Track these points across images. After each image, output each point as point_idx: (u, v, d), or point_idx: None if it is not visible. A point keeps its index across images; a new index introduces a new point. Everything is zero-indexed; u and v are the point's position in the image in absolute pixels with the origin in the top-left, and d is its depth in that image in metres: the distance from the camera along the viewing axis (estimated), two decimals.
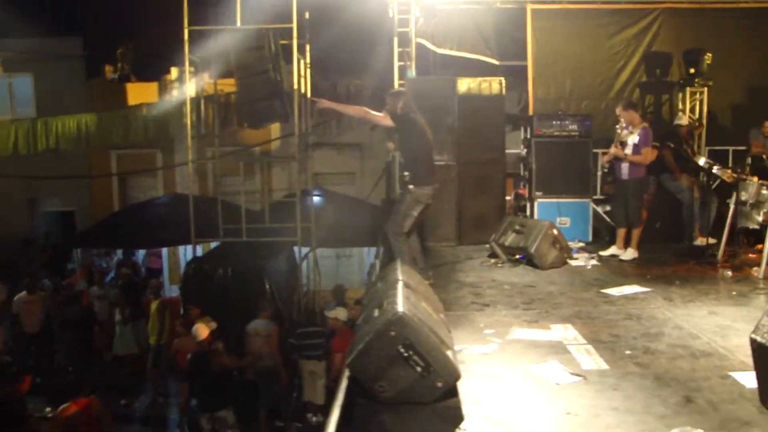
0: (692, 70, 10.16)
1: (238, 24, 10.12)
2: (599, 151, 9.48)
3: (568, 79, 10.38)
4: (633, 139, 7.89)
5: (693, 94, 10.40)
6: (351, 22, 11.56)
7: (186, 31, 10.15)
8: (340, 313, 8.79)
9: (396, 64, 9.98)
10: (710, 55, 10.05)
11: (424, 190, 6.51)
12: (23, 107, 16.16)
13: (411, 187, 6.46)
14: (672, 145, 9.10)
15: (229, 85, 12.48)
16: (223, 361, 7.99)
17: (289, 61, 10.33)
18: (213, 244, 11.84)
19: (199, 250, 11.38)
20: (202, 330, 8.04)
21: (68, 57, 16.04)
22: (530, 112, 10.12)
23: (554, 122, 9.15)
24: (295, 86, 10.45)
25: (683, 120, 9.49)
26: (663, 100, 10.65)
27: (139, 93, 16.14)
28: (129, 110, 15.05)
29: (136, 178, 16.72)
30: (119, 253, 14.55)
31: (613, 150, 7.99)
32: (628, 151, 7.90)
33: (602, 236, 9.18)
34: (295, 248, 10.99)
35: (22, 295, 10.83)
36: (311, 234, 10.60)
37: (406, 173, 6.57)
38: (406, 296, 4.04)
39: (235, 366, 8.30)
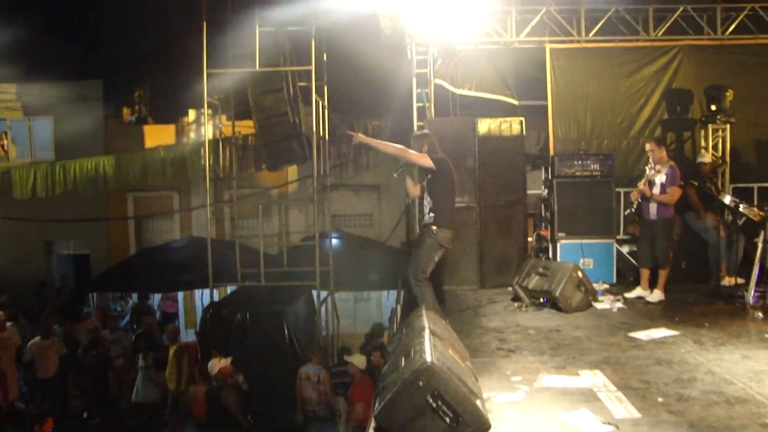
0: (714, 107, 10.18)
1: (257, 66, 10.29)
2: (621, 190, 9.52)
3: (588, 118, 10.44)
4: (660, 178, 7.92)
5: (715, 131, 10.42)
6: (369, 63, 11.73)
7: (205, 74, 10.33)
8: (358, 360, 8.76)
9: (414, 105, 10.11)
10: (732, 91, 10.08)
11: (446, 233, 6.55)
12: (42, 150, 16.46)
13: (434, 228, 6.48)
14: (696, 184, 9.09)
15: (247, 127, 12.69)
16: (234, 401, 7.98)
17: (308, 102, 10.49)
18: (230, 288, 11.87)
19: (216, 295, 11.43)
20: (216, 364, 8.11)
21: (87, 99, 16.33)
22: (551, 152, 10.20)
23: (575, 162, 9.21)
24: (313, 128, 10.57)
25: (706, 157, 9.50)
26: (685, 138, 10.67)
27: (156, 135, 16.37)
28: (146, 152, 15.25)
29: (152, 221, 16.84)
30: (134, 296, 14.60)
31: (641, 187, 8.01)
32: (656, 191, 7.92)
33: (626, 277, 9.15)
34: (314, 292, 11.00)
35: (36, 341, 10.86)
36: (330, 277, 10.61)
37: (430, 214, 6.57)
38: (433, 344, 4.02)
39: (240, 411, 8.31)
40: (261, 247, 10.50)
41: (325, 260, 10.62)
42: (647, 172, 8.04)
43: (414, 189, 6.99)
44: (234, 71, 10.60)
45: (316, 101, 10.69)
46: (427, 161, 6.47)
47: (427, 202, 6.64)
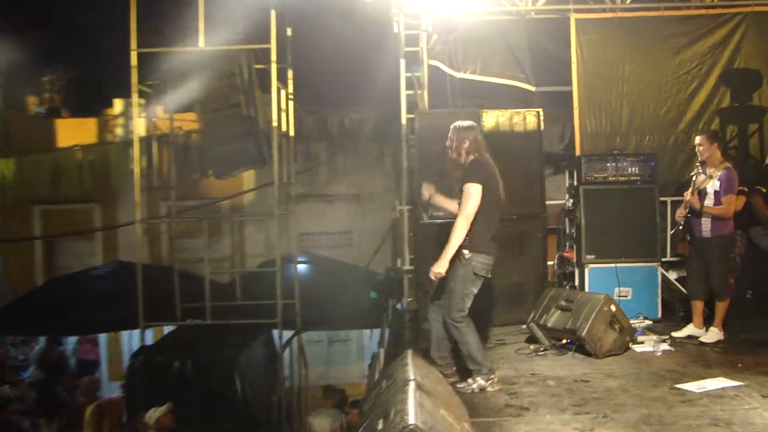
0: None
1: (201, 45, 10.32)
2: (668, 199, 9.58)
3: (625, 108, 10.53)
4: (713, 184, 7.97)
5: None
6: (346, 40, 11.78)
7: (134, 54, 10.35)
8: (322, 424, 8.78)
9: (403, 92, 10.16)
10: None
11: (483, 259, 6.55)
12: None
13: (466, 253, 6.48)
14: (764, 190, 9.18)
15: (189, 122, 12.66)
16: None
17: (267, 90, 10.51)
18: (168, 329, 11.85)
19: (149, 337, 11.38)
20: (152, 415, 8.15)
21: None
22: (577, 152, 10.27)
23: (608, 164, 9.27)
24: (274, 123, 10.60)
25: None
26: (750, 132, 10.74)
27: (72, 131, 16.29)
28: (59, 154, 15.18)
29: (67, 242, 16.73)
30: (41, 340, 14.49)
31: (688, 197, 8.08)
32: (708, 201, 7.98)
33: (675, 311, 9.21)
34: (275, 332, 10.99)
35: None
36: (296, 313, 10.62)
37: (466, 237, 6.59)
38: (419, 402, 4.05)
39: None
40: (207, 275, 10.49)
41: (289, 291, 10.61)
42: (694, 177, 8.12)
43: (452, 204, 6.96)
44: (172, 50, 10.62)
45: (278, 89, 10.71)
46: (474, 201, 6.42)
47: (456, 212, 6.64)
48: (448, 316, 6.51)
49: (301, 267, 12.12)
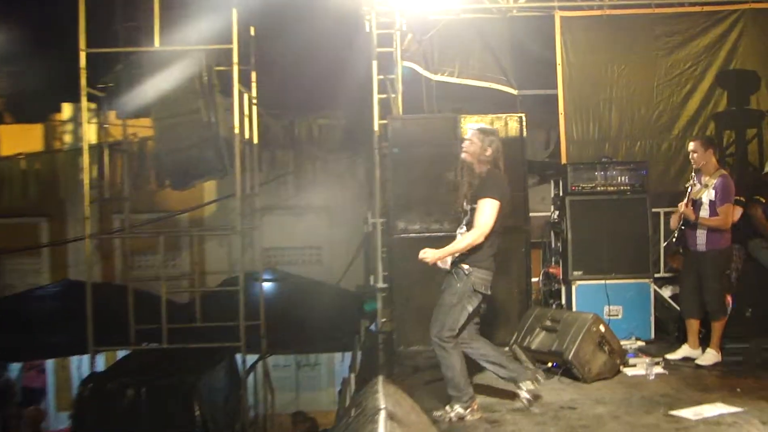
0: None
1: (157, 44, 10.27)
2: (661, 210, 9.63)
3: (614, 113, 10.62)
4: (708, 194, 8.02)
5: None
6: (313, 40, 11.78)
7: (83, 55, 10.28)
8: None
9: (375, 96, 10.21)
10: None
11: (483, 275, 6.51)
12: None
13: (466, 267, 6.44)
14: (763, 200, 9.21)
15: (144, 128, 12.61)
16: None
17: (228, 94, 10.47)
18: (121, 354, 11.75)
19: (101, 363, 11.28)
20: None
21: None
22: (563, 160, 10.35)
23: (596, 173, 9.33)
24: (237, 129, 10.57)
25: None
26: (748, 137, 10.83)
27: (16, 138, 16.18)
28: (1, 163, 15.07)
29: (10, 259, 16.60)
30: None
31: (682, 208, 8.12)
32: (703, 212, 8.02)
33: (669, 331, 9.24)
34: (238, 356, 10.92)
35: None
36: (261, 335, 10.56)
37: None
38: None
39: None
40: (164, 295, 10.41)
41: (254, 312, 10.57)
42: (690, 188, 8.15)
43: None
44: (125, 50, 10.57)
45: (240, 93, 10.68)
46: (492, 217, 6.41)
47: (460, 234, 6.59)
48: (437, 333, 6.42)
49: (267, 285, 12.07)
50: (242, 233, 10.97)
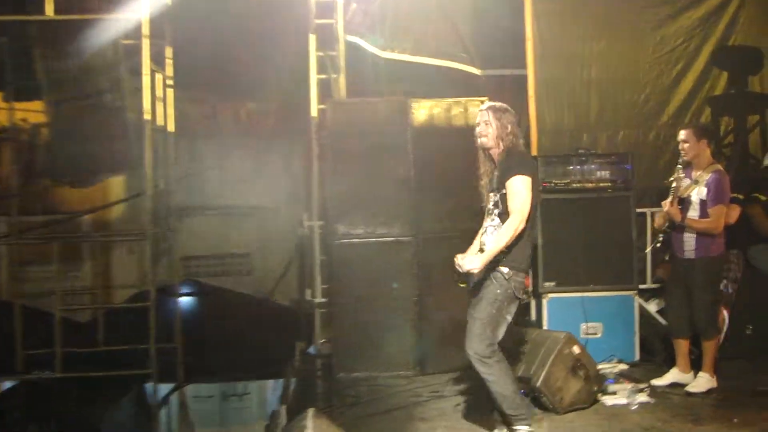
0: None
1: (50, 13, 10.18)
2: (647, 210, 9.72)
3: (593, 96, 10.76)
4: (698, 191, 8.05)
5: None
6: (241, 9, 11.70)
7: None
8: None
9: (314, 76, 10.19)
10: None
11: (523, 278, 6.55)
12: None
13: (506, 270, 6.44)
14: (763, 198, 9.34)
15: (36, 113, 12.49)
16: None
17: (138, 74, 10.42)
18: (7, 384, 11.65)
19: None
20: None
21: None
22: (533, 151, 10.42)
23: (572, 166, 9.37)
24: (148, 115, 10.51)
25: None
26: (749, 125, 11.01)
27: None
28: None
29: None
30: None
31: (667, 208, 8.12)
32: (692, 213, 8.05)
33: (656, 352, 9.32)
34: (149, 386, 10.86)
35: None
36: (178, 361, 10.53)
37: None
38: None
39: None
40: (58, 312, 10.32)
41: (169, 332, 10.52)
42: (674, 183, 8.12)
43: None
44: (10, 19, 10.47)
45: (153, 72, 10.62)
46: (527, 196, 6.39)
47: (494, 224, 6.60)
48: (476, 349, 6.41)
49: (185, 300, 12.01)
50: (154, 239, 10.88)
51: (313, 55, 10.23)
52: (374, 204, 9.06)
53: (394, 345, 8.97)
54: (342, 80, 10.40)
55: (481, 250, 6.53)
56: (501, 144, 6.55)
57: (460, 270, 6.36)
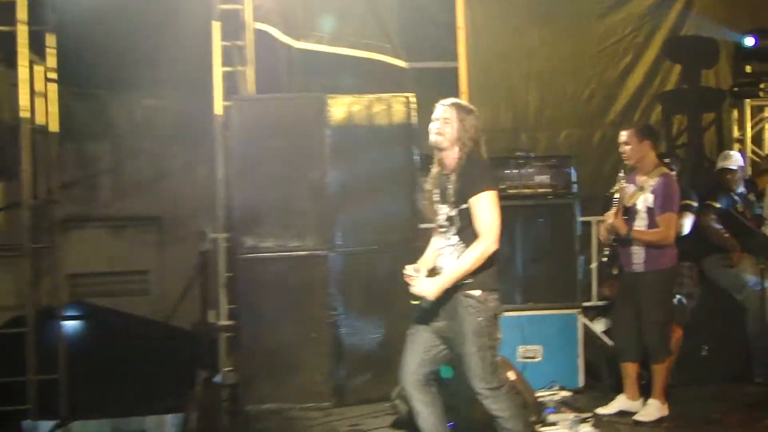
0: (755, 68, 10.82)
1: None
2: (592, 219, 9.75)
3: (532, 93, 10.83)
4: (645, 199, 8.13)
5: (757, 110, 11.20)
6: None
7: None
8: None
9: (218, 69, 10.18)
10: None
11: (495, 296, 6.51)
12: None
13: (478, 294, 6.34)
14: (717, 206, 9.44)
15: None
16: None
17: (12, 65, 10.28)
18: None
19: None
20: None
21: None
22: None
23: (508, 170, 9.44)
24: (26, 113, 10.37)
25: (730, 161, 9.84)
26: (704, 123, 11.22)
27: None
28: None
29: None
30: None
31: (611, 220, 8.15)
32: (641, 223, 8.12)
33: (602, 377, 9.41)
34: (26, 423, 10.69)
35: None
36: (61, 394, 10.40)
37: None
38: None
39: None
40: None
41: (51, 361, 10.37)
42: (617, 192, 8.15)
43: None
44: None
45: (31, 63, 10.48)
46: (497, 214, 6.34)
47: (453, 247, 6.46)
48: (483, 383, 6.29)
49: (70, 324, 11.85)
50: (34, 254, 10.75)
51: (218, 45, 10.20)
52: (286, 214, 9.02)
53: (308, 373, 8.93)
54: (250, 74, 10.31)
55: (436, 272, 6.47)
56: (458, 148, 6.33)
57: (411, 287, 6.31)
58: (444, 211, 6.43)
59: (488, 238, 6.23)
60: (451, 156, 6.35)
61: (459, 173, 6.31)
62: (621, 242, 8.19)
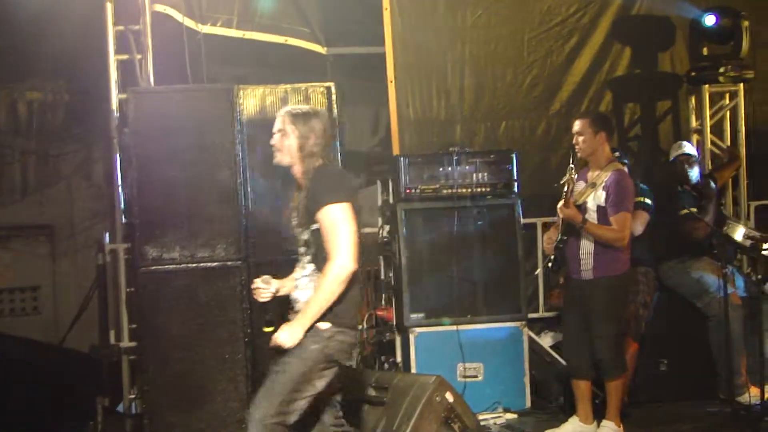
0: (711, 51, 10.93)
1: None
2: (537, 221, 9.89)
3: (467, 80, 10.85)
4: (596, 196, 8.21)
5: (717, 97, 11.25)
6: None
7: None
8: None
9: (112, 57, 10.16)
10: (747, 20, 10.72)
11: (348, 337, 6.27)
12: None
13: (325, 327, 6.10)
14: (648, 201, 9.45)
15: None
16: None
17: None
18: None
19: None
20: None
21: None
22: (394, 150, 10.49)
23: (441, 168, 9.51)
24: None
25: (686, 148, 10.01)
26: (659, 113, 11.39)
27: None
28: None
29: None
30: None
31: (561, 211, 8.18)
32: (590, 219, 8.16)
33: (552, 397, 9.51)
34: None
35: None
36: None
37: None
38: None
39: None
40: None
41: None
42: (567, 185, 8.13)
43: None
44: None
45: None
46: (350, 232, 6.02)
47: (305, 273, 6.34)
48: (263, 411, 6.06)
49: None
50: None
51: (110, 29, 10.17)
52: (193, 220, 8.97)
53: (223, 399, 8.88)
54: (149, 62, 10.22)
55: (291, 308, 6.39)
56: (303, 161, 6.24)
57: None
58: (299, 233, 6.34)
59: (339, 259, 5.96)
60: (300, 171, 6.29)
61: (307, 189, 6.21)
62: (568, 245, 8.25)
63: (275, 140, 6.34)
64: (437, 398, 7.63)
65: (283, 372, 6.12)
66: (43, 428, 11.66)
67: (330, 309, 6.06)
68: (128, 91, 9.55)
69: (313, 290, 6.13)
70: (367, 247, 10.30)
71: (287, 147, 6.26)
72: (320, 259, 6.09)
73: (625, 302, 8.58)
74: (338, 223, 5.95)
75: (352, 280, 6.10)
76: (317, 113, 6.47)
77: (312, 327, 6.04)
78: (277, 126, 6.35)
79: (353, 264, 5.96)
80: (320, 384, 6.17)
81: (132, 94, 9.37)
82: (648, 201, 9.08)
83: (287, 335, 5.99)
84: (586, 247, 8.15)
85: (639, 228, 8.77)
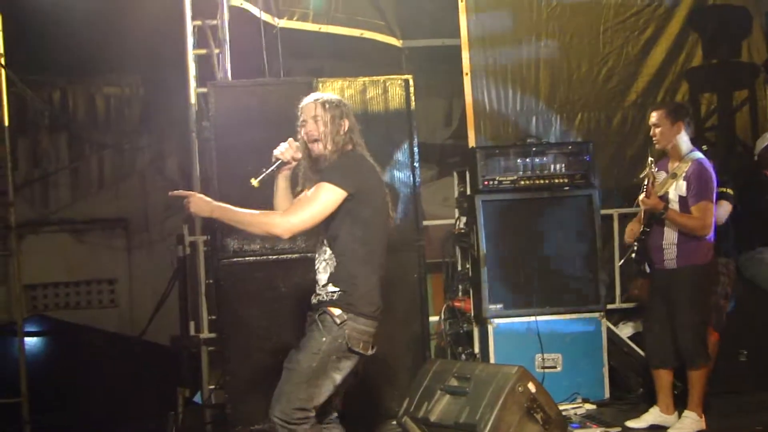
0: None
1: None
2: (614, 212, 9.84)
3: (543, 71, 10.81)
4: (678, 187, 8.17)
5: None
6: None
7: None
8: None
9: (190, 52, 10.21)
10: None
11: (364, 327, 6.15)
12: None
13: (337, 312, 6.07)
14: (731, 192, 9.40)
15: None
16: None
17: None
18: None
19: None
20: None
21: None
22: (471, 142, 10.46)
23: (519, 159, 9.47)
24: None
25: None
26: (736, 103, 11.25)
27: None
28: None
29: None
30: None
31: (643, 203, 8.11)
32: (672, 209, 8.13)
33: (631, 388, 9.47)
34: None
35: None
36: (22, 417, 10.41)
37: (329, 285, 6.17)
38: None
39: None
40: None
41: (11, 382, 10.36)
42: (647, 179, 8.06)
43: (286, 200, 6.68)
44: None
45: None
46: (322, 206, 6.07)
47: (324, 257, 6.30)
48: (281, 412, 6.04)
49: (32, 341, 11.84)
50: None
51: (189, 24, 10.22)
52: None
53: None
54: (227, 56, 10.26)
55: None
56: (332, 144, 6.26)
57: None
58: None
59: (289, 219, 6.13)
60: (324, 153, 6.28)
61: (325, 168, 6.24)
62: (651, 235, 8.19)
63: (310, 127, 6.33)
64: (520, 388, 7.58)
65: (295, 368, 6.10)
66: (125, 419, 11.75)
67: (342, 295, 6.07)
68: (209, 84, 9.59)
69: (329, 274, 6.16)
70: (440, 239, 10.40)
71: (325, 131, 6.26)
72: (335, 241, 6.14)
73: (709, 292, 8.50)
74: (318, 199, 6.04)
75: (372, 269, 6.16)
76: (345, 103, 6.51)
77: (323, 313, 6.06)
78: (309, 113, 6.37)
79: (288, 232, 6.08)
80: (339, 376, 6.12)
81: (212, 88, 9.42)
82: (730, 191, 8.98)
83: (195, 203, 6.25)
84: (669, 237, 8.11)
85: (723, 217, 8.68)
